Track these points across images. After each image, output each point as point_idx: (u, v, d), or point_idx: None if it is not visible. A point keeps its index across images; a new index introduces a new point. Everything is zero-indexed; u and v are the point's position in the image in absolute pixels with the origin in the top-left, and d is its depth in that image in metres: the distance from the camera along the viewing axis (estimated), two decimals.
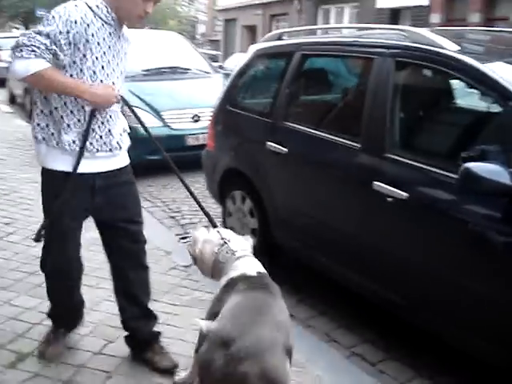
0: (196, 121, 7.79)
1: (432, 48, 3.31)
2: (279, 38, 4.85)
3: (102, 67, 2.73)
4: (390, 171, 3.35)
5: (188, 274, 4.34)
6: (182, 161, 7.65)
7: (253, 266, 2.64)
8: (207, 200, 6.24)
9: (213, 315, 2.44)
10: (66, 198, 2.75)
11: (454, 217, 3.00)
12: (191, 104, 7.86)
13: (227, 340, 2.11)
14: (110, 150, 2.85)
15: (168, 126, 7.64)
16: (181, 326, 3.55)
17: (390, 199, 3.24)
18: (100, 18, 2.69)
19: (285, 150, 4.12)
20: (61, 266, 2.97)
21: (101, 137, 2.80)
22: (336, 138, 3.81)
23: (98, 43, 2.69)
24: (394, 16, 20.28)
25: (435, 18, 18.68)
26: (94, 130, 2.76)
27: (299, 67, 4.35)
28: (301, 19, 25.74)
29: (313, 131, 4.02)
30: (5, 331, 3.41)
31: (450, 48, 3.24)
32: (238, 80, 5.12)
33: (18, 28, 40.78)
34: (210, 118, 5.45)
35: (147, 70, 8.39)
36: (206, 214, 2.98)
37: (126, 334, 3.20)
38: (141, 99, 7.49)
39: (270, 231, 4.42)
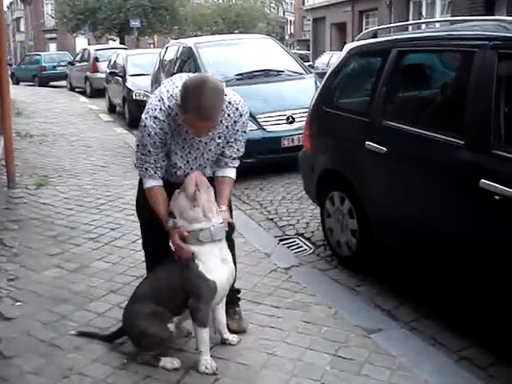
0: (291, 122, 7.78)
1: None
2: (374, 36, 4.77)
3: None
4: (497, 168, 3.22)
5: (289, 276, 4.36)
6: (278, 162, 7.81)
7: None
8: (305, 201, 6.26)
9: None
10: None
11: None
12: (285, 106, 7.87)
13: None
14: None
15: (263, 129, 7.67)
16: (284, 328, 3.55)
17: (497, 197, 3.12)
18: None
19: (384, 149, 4.05)
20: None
21: None
22: (436, 135, 3.69)
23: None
24: (489, 5, 19.45)
25: None
26: None
27: (396, 64, 4.25)
28: (391, 14, 25.25)
29: (412, 129, 3.92)
30: None
31: None
32: (333, 80, 5.09)
33: (114, 40, 42.25)
34: (305, 119, 5.45)
35: (240, 75, 8.48)
36: None
37: None
38: None
39: (369, 232, 4.36)
